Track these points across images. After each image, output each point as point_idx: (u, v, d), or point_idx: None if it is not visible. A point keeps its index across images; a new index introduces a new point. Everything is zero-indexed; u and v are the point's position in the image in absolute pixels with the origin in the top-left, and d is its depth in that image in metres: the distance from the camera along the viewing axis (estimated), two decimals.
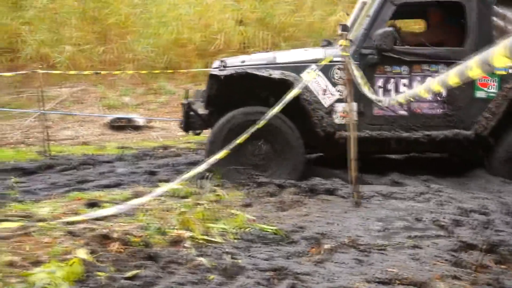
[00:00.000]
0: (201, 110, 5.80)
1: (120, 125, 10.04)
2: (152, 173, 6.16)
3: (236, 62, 5.61)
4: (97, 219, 3.82)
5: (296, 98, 5.11)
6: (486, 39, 5.34)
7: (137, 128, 10.09)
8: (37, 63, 11.89)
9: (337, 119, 5.47)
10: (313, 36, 12.05)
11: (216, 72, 5.40)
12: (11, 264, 3.04)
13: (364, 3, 6.33)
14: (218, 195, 4.50)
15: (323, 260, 3.30)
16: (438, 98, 5.45)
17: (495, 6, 5.49)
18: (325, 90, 5.43)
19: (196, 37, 12.73)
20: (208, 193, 4.47)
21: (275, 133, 5.24)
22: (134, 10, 13.89)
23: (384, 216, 4.34)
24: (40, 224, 3.60)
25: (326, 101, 5.43)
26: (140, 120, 10.19)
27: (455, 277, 3.01)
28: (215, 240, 3.61)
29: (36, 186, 5.68)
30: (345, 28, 5.79)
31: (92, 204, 4.55)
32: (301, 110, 5.32)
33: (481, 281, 2.96)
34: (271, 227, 3.90)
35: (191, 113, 5.84)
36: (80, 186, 5.63)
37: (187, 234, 3.59)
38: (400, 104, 5.41)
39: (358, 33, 5.57)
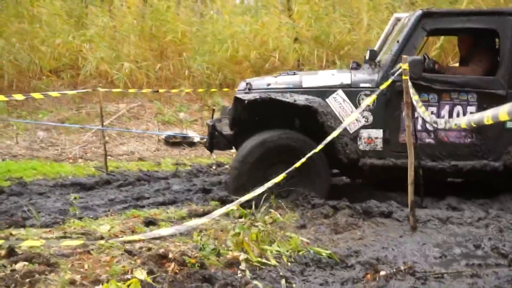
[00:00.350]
0: (226, 130, 5.76)
1: (175, 142, 10.20)
2: (206, 191, 6.18)
3: (261, 85, 5.53)
4: (154, 238, 3.88)
5: (321, 124, 5.13)
6: None
7: (191, 144, 10.23)
8: (97, 80, 12.29)
9: (362, 146, 5.37)
10: None
11: (240, 95, 5.34)
12: (72, 282, 3.12)
13: (398, 19, 6.27)
14: (272, 216, 4.51)
15: (379, 287, 3.27)
16: (468, 128, 5.23)
17: None
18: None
19: (251, 54, 12.83)
20: (263, 215, 4.47)
21: (301, 157, 5.06)
22: (191, 28, 14.15)
23: (442, 242, 4.29)
24: (99, 242, 3.68)
25: (351, 127, 5.32)
26: (195, 137, 10.33)
27: None
28: (270, 263, 3.62)
29: (94, 202, 5.80)
30: (373, 53, 5.72)
31: (149, 223, 4.64)
32: (326, 136, 5.14)
33: None
34: (326, 251, 3.89)
35: (216, 133, 5.84)
36: (136, 203, 5.73)
37: (242, 256, 3.61)
38: (427, 132, 5.34)
39: (387, 58, 5.46)
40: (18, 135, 10.22)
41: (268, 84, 5.52)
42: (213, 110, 6.80)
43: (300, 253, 3.85)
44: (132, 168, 8.16)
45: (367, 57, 5.91)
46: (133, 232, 4.30)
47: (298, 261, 3.73)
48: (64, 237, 4.14)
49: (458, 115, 5.31)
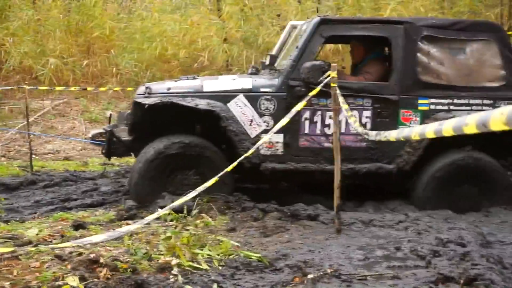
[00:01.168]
0: (125, 136, 5.58)
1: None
2: None
3: (161, 89, 5.39)
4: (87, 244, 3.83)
5: (223, 129, 5.16)
6: (411, 75, 5.51)
7: None
8: (20, 75, 11.90)
9: (263, 150, 5.36)
10: None
11: (140, 100, 5.19)
12: None
13: (294, 27, 6.36)
14: (204, 220, 4.53)
15: None
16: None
17: (419, 43, 5.54)
18: (251, 121, 5.32)
19: (180, 53, 12.79)
20: (194, 218, 4.49)
21: (205, 163, 5.14)
22: (119, 24, 13.94)
23: (365, 244, 4.39)
24: (30, 249, 3.61)
25: (253, 132, 5.32)
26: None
27: None
28: (201, 267, 3.62)
29: (20, 204, 5.67)
30: (273, 59, 5.78)
31: (78, 226, 4.58)
32: (228, 140, 5.26)
33: None
34: (255, 254, 3.93)
35: (114, 139, 5.64)
36: (64, 205, 5.65)
37: (174, 260, 3.61)
38: (325, 136, 5.44)
39: (286, 64, 5.51)
40: None
41: (169, 88, 5.39)
42: (110, 115, 6.60)
43: (231, 256, 3.87)
44: (58, 167, 7.98)
45: (266, 62, 5.94)
46: (62, 236, 4.23)
47: (229, 265, 3.74)
48: None
49: (355, 121, 5.46)
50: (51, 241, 4.08)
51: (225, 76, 6.74)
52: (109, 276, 3.36)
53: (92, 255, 3.62)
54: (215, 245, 4.05)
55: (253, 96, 5.34)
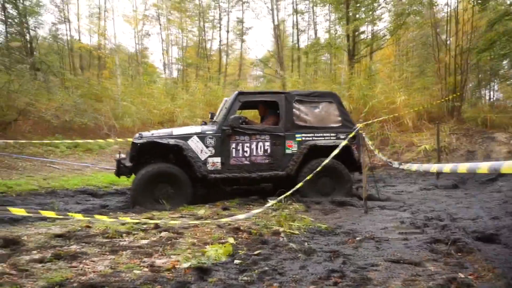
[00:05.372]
0: (128, 163, 5.11)
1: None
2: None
3: (148, 134, 5.00)
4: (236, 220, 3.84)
5: (184, 156, 4.93)
6: (290, 121, 5.34)
7: None
8: None
9: (209, 167, 5.02)
10: None
11: (135, 140, 4.86)
12: (193, 244, 3.11)
13: (226, 101, 6.09)
14: (294, 206, 4.44)
15: (357, 246, 3.21)
16: (266, 154, 5.21)
17: (294, 103, 5.36)
18: (201, 150, 5.01)
19: None
20: (287, 205, 4.42)
21: (174, 178, 4.83)
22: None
23: (382, 220, 4.20)
24: (207, 222, 3.66)
25: (202, 157, 5.00)
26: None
27: (434, 260, 2.88)
28: (295, 232, 3.57)
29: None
30: (213, 115, 5.59)
31: (225, 208, 4.61)
32: (188, 162, 4.96)
33: (450, 263, 2.82)
34: (323, 225, 3.85)
35: (121, 165, 5.14)
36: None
37: (281, 229, 3.57)
38: (245, 157, 5.15)
39: (221, 118, 5.23)
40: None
41: (152, 134, 5.01)
42: (119, 152, 6.08)
43: (310, 226, 3.79)
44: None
45: (210, 118, 5.79)
46: (218, 214, 4.26)
47: (309, 231, 3.66)
48: (182, 217, 4.13)
49: (261, 148, 5.23)
50: (213, 217, 4.12)
51: (187, 126, 6.51)
52: (247, 237, 3.36)
53: (236, 225, 3.64)
54: (300, 220, 3.98)
55: (202, 136, 5.05)
